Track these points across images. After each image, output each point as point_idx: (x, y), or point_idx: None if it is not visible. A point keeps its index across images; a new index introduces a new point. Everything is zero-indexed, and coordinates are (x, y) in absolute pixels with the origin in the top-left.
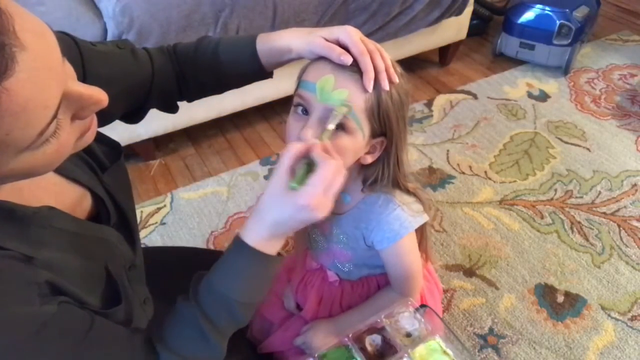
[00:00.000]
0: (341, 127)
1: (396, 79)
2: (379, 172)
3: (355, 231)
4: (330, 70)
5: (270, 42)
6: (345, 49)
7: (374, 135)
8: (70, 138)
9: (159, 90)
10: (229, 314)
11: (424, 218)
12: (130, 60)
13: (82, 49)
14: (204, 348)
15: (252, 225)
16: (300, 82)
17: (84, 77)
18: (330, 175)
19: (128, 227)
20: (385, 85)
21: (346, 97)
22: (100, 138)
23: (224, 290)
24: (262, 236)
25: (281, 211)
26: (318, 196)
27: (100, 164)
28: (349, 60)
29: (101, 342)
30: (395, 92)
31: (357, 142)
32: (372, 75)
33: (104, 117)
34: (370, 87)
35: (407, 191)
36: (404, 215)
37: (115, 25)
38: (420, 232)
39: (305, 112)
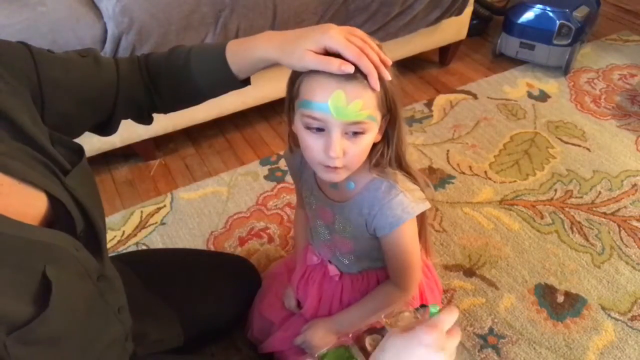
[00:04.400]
0: (361, 132)
1: (389, 62)
2: (384, 149)
3: (358, 218)
4: (336, 84)
5: (243, 52)
6: (336, 55)
7: (382, 116)
8: None
9: (126, 98)
10: None
11: (426, 205)
12: (91, 66)
13: (35, 54)
14: None
15: None
16: (305, 102)
17: (38, 80)
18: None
19: (94, 235)
20: (387, 76)
21: (362, 106)
22: (60, 141)
23: None
24: None
25: None
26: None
27: (60, 167)
28: (350, 69)
29: None
30: (392, 74)
31: (375, 133)
32: (376, 74)
33: (71, 126)
34: (378, 86)
35: (411, 176)
36: (406, 200)
37: (115, 25)
38: (421, 220)
39: (320, 129)
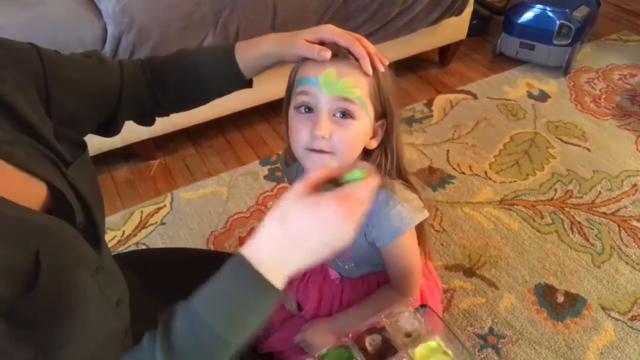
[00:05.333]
0: (349, 114)
1: (386, 61)
2: (382, 157)
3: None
4: (329, 63)
5: (250, 50)
6: (333, 45)
7: (376, 118)
8: None
9: (130, 99)
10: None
11: (424, 214)
12: (96, 66)
13: (43, 54)
14: None
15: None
16: (298, 80)
17: (45, 79)
18: (370, 186)
19: (94, 228)
20: (381, 67)
21: (353, 84)
22: (64, 136)
23: (204, 310)
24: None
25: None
26: (352, 196)
27: (62, 159)
28: (328, 54)
29: None
30: (387, 73)
31: (366, 126)
32: (368, 59)
33: (76, 125)
34: (370, 70)
35: (409, 184)
36: (404, 211)
37: (115, 25)
38: (420, 228)
39: (309, 109)
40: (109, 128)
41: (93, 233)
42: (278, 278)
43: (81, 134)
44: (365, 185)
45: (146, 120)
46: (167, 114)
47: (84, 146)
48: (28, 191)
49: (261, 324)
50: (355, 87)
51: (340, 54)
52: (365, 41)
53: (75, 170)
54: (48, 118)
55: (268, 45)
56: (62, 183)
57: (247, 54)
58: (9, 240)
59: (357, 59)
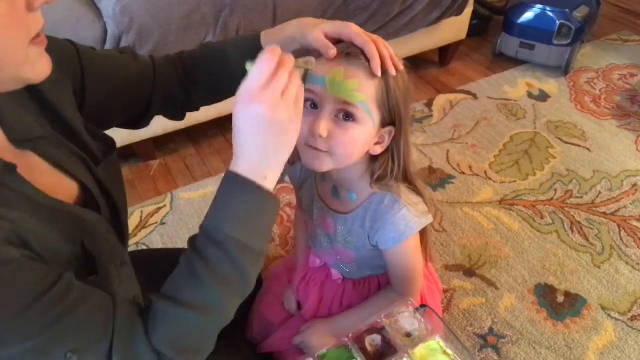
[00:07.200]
0: (352, 117)
1: (401, 67)
2: (388, 164)
3: (360, 230)
4: (339, 61)
5: (276, 35)
6: (349, 43)
7: (383, 124)
8: (20, 19)
9: (162, 93)
10: (227, 256)
11: (429, 219)
12: (130, 61)
13: (80, 50)
14: (203, 295)
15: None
16: (307, 76)
17: (82, 74)
18: (265, 69)
19: (119, 223)
20: (392, 71)
21: (358, 86)
22: (94, 133)
23: (215, 224)
24: (247, 162)
25: (238, 122)
26: (253, 88)
27: (93, 157)
28: (333, 53)
29: (67, 303)
30: (401, 80)
31: (368, 132)
32: (379, 60)
33: (106, 118)
34: (378, 71)
35: (414, 187)
36: (409, 215)
37: (115, 25)
38: (423, 232)
39: (314, 106)
40: (139, 121)
41: (118, 229)
42: (263, 180)
43: (109, 127)
44: (259, 68)
45: (177, 114)
46: (197, 109)
47: (113, 145)
48: (60, 187)
49: (270, 229)
50: (360, 90)
51: (352, 53)
52: (382, 44)
53: (104, 168)
54: (80, 114)
55: (292, 28)
56: (90, 180)
57: (273, 38)
58: (58, 228)
59: (368, 60)
